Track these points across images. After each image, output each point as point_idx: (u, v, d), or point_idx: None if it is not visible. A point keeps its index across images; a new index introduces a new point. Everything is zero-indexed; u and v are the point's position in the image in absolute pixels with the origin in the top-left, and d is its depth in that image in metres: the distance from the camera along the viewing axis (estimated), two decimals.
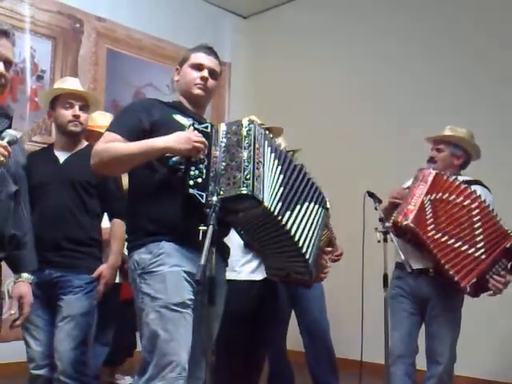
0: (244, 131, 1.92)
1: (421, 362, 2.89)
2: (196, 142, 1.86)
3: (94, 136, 2.96)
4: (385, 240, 2.62)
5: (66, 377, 2.44)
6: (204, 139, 1.89)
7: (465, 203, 2.74)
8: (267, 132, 2.04)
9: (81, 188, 2.59)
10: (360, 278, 2.83)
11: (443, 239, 2.70)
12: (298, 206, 2.02)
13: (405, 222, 2.69)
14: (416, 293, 2.85)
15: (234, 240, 2.93)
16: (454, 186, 2.79)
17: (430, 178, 2.81)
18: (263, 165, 1.92)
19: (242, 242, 2.92)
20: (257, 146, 1.91)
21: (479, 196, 2.76)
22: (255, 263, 2.94)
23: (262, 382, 3.27)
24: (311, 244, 2.03)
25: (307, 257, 2.00)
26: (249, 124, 1.95)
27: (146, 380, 1.86)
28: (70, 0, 4.80)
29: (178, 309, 1.86)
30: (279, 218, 1.92)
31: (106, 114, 3.42)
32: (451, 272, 2.65)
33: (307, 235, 2.03)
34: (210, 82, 2.16)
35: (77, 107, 2.67)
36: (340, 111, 5.23)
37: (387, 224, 2.66)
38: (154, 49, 5.28)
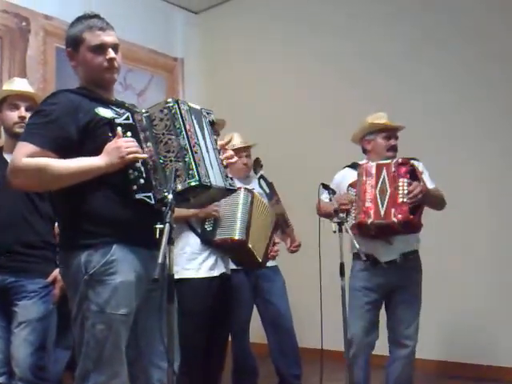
0: (170, 115, 1.82)
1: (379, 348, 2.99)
2: (128, 149, 1.80)
3: None
4: (340, 230, 2.68)
5: (25, 383, 2.40)
6: (134, 143, 1.83)
7: (401, 181, 2.83)
8: (189, 105, 1.93)
9: (32, 191, 2.53)
10: (317, 268, 2.89)
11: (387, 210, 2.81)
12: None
13: (369, 221, 2.80)
14: (384, 283, 2.92)
15: (190, 237, 2.95)
16: (390, 171, 2.86)
17: (373, 171, 2.88)
18: (199, 145, 1.86)
19: (198, 240, 2.94)
20: (187, 127, 1.83)
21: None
22: (212, 259, 2.96)
23: (226, 375, 3.31)
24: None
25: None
26: (173, 105, 1.83)
27: None
28: None
29: (125, 319, 1.83)
30: (218, 185, 1.90)
31: None
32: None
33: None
34: (117, 58, 1.99)
35: (23, 108, 2.61)
36: (293, 104, 5.30)
37: (341, 215, 2.73)
38: None
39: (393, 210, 2.77)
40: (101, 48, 1.95)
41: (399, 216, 2.74)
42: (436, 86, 4.52)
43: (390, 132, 3.07)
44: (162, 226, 1.63)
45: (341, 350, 2.70)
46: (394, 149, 3.05)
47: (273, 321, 3.42)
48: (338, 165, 3.25)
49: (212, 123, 2.02)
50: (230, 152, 2.06)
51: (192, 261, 2.91)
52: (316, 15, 5.28)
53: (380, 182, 2.86)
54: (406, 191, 2.77)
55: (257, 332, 3.57)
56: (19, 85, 2.72)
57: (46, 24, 4.89)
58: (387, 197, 2.81)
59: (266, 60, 5.57)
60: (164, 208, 1.70)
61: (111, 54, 1.96)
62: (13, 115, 2.61)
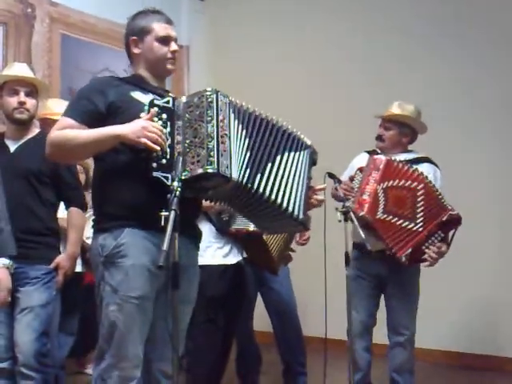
0: (206, 103, 1.82)
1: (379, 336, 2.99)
2: (150, 133, 1.77)
3: (49, 124, 2.88)
4: (345, 220, 2.65)
5: (28, 369, 2.42)
6: (160, 130, 1.80)
7: (412, 185, 2.80)
8: (231, 98, 1.93)
9: (33, 177, 2.53)
10: (322, 257, 2.87)
11: (388, 219, 2.78)
12: (270, 164, 1.94)
13: (361, 214, 2.77)
14: (375, 272, 2.92)
15: (206, 225, 2.97)
16: (403, 172, 2.83)
17: (382, 166, 2.83)
18: (229, 137, 1.83)
19: (213, 228, 2.95)
20: (221, 117, 1.82)
21: (425, 177, 2.82)
22: (227, 248, 2.99)
23: (231, 362, 3.31)
24: (296, 196, 1.98)
25: (292, 211, 1.95)
26: (211, 94, 1.84)
27: (104, 369, 1.86)
28: None
29: (137, 302, 1.84)
30: (249, 185, 1.87)
31: (62, 102, 3.34)
32: (390, 245, 2.75)
33: (290, 190, 1.97)
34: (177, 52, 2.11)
35: (22, 93, 2.58)
36: (301, 92, 5.25)
37: (347, 204, 2.70)
38: (109, 33, 5.08)
39: (400, 238, 2.75)
40: (166, 40, 2.06)
41: (400, 252, 2.74)
42: (447, 80, 4.48)
43: (382, 120, 3.04)
44: (167, 213, 1.61)
45: (345, 338, 2.69)
46: (379, 138, 3.01)
47: (277, 309, 3.44)
48: (343, 156, 3.21)
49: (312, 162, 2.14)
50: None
51: (207, 248, 2.93)
52: (326, 2, 5.22)
53: (394, 184, 2.81)
54: (434, 243, 2.76)
55: (264, 320, 3.57)
56: (18, 70, 2.69)
57: (51, 10, 4.86)
58: (404, 212, 2.78)
59: (274, 48, 5.49)
60: (169, 195, 1.67)
61: (175, 46, 2.08)
62: (12, 101, 2.58)
